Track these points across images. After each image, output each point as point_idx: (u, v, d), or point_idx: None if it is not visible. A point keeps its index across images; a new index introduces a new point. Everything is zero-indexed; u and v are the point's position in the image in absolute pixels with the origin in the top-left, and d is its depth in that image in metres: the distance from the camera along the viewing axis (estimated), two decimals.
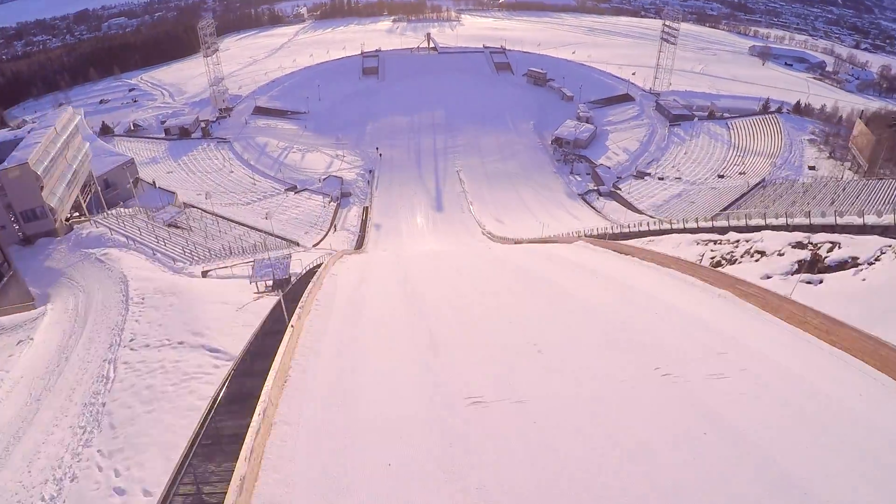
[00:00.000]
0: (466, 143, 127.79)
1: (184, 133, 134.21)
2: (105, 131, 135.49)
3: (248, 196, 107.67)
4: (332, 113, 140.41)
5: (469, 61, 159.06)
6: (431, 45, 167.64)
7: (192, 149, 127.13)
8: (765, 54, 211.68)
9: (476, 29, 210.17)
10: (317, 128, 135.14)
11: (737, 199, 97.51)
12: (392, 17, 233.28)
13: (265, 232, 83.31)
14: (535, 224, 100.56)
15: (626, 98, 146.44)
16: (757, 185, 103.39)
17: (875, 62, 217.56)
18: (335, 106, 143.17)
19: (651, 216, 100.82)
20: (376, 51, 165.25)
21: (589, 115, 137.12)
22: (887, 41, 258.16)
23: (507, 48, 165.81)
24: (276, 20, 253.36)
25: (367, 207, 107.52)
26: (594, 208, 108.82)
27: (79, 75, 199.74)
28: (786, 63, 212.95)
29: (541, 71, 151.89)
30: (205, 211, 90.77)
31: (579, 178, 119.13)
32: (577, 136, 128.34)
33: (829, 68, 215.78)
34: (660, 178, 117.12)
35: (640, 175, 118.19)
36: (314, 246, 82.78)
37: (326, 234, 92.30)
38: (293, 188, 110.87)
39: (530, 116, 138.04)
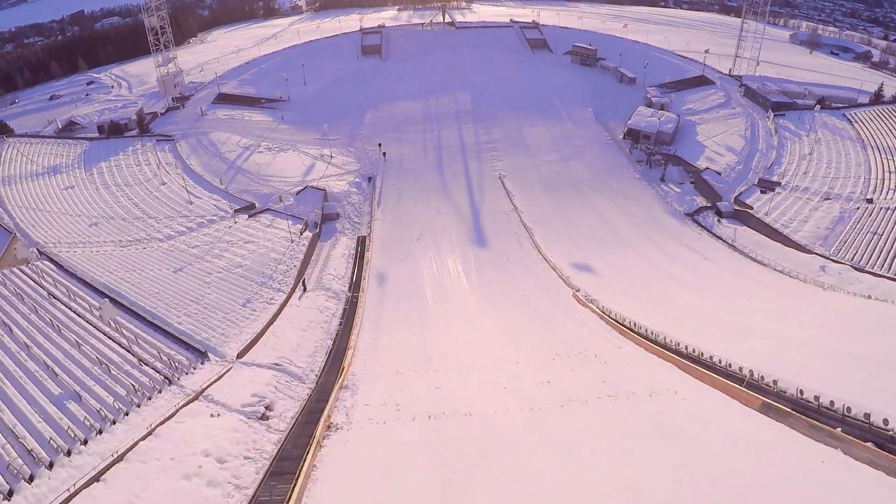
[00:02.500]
0: (506, 137, 76.59)
1: (114, 130, 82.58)
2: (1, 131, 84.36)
3: (174, 224, 56.66)
4: (320, 100, 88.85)
5: (495, 37, 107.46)
6: (448, 19, 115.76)
7: (118, 151, 75.80)
8: (813, 43, 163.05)
9: (489, 16, 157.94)
10: (298, 119, 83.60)
11: None
12: (397, 7, 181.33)
13: (145, 321, 32.76)
14: (648, 270, 50.01)
15: (703, 81, 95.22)
16: None
17: None
18: (324, 91, 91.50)
19: (829, 257, 51.12)
20: (379, 26, 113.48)
21: (664, 100, 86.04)
22: None
23: (540, 23, 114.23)
24: (271, 13, 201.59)
25: (363, 239, 56.50)
26: (720, 238, 58.42)
27: (41, 71, 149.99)
28: (832, 52, 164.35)
29: (590, 47, 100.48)
30: (56, 267, 40.14)
31: (678, 189, 68.23)
32: (659, 128, 77.42)
33: (876, 58, 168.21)
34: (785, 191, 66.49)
35: (767, 186, 67.20)
36: (240, 357, 31.94)
37: (282, 308, 41.27)
38: (249, 208, 59.79)
39: (585, 102, 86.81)
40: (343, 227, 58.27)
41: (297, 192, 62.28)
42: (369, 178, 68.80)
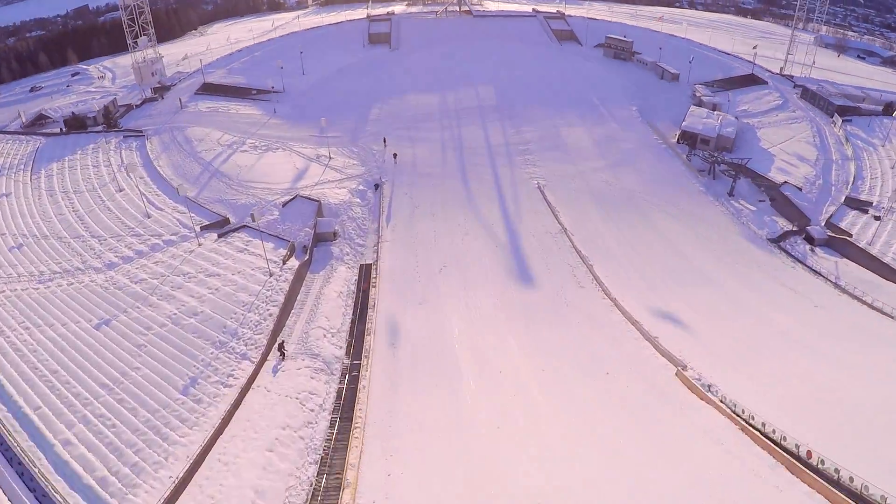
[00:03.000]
0: (541, 138, 60.77)
1: (76, 124, 66.75)
2: None
3: (121, 247, 41.05)
4: (320, 92, 73.00)
5: (517, 27, 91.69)
6: (464, 7, 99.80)
7: (76, 149, 60.00)
8: (841, 46, 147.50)
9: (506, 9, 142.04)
10: (292, 113, 67.73)
11: None
12: (406, 1, 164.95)
13: None
14: (751, 323, 34.45)
15: (754, 80, 79.27)
16: None
17: None
18: (325, 82, 75.61)
19: None
20: (388, 13, 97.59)
21: (715, 100, 70.70)
22: None
23: (566, 13, 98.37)
24: (276, 7, 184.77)
25: (368, 269, 40.65)
26: (820, 274, 43.05)
27: (29, 63, 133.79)
28: (858, 56, 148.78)
29: (626, 40, 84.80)
30: None
31: (752, 208, 52.60)
32: (719, 131, 62.06)
33: None
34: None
35: (858, 207, 51.68)
36: None
37: (244, 395, 25.59)
38: (220, 224, 43.98)
39: (626, 100, 71.11)
40: (342, 251, 42.51)
41: (285, 204, 46.51)
42: (376, 186, 53.12)
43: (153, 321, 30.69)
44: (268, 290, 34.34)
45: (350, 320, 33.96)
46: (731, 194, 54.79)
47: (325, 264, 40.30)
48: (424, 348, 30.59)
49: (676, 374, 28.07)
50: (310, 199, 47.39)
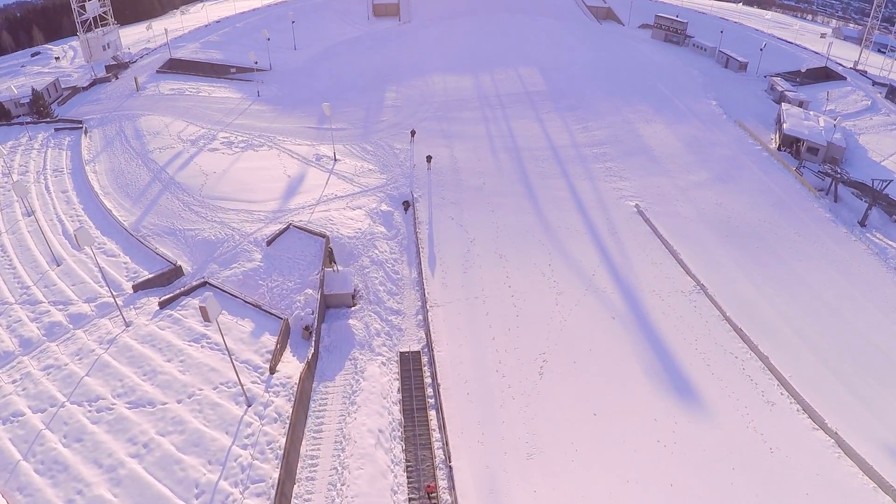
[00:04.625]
0: (615, 137, 42.94)
1: None
2: None
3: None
4: (316, 70, 54.03)
5: (545, 1, 72.90)
6: None
7: None
8: (868, 39, 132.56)
9: None
10: (282, 96, 48.77)
11: None
12: None
13: None
14: None
15: (828, 75, 62.54)
16: None
17: None
18: (322, 58, 56.54)
19: None
20: None
21: (801, 97, 53.92)
22: None
23: None
24: None
25: (416, 362, 23.09)
26: None
27: None
28: (879, 50, 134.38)
29: (679, 20, 67.30)
30: None
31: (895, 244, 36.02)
32: (831, 139, 45.29)
33: None
34: None
35: None
36: None
37: None
38: (166, 279, 25.52)
39: (698, 91, 53.61)
40: (367, 328, 24.56)
41: (271, 240, 28.28)
42: (406, 205, 35.09)
43: None
44: (244, 446, 16.58)
45: None
46: (862, 224, 38.21)
47: (343, 360, 22.37)
48: None
49: None
50: (310, 231, 29.15)
